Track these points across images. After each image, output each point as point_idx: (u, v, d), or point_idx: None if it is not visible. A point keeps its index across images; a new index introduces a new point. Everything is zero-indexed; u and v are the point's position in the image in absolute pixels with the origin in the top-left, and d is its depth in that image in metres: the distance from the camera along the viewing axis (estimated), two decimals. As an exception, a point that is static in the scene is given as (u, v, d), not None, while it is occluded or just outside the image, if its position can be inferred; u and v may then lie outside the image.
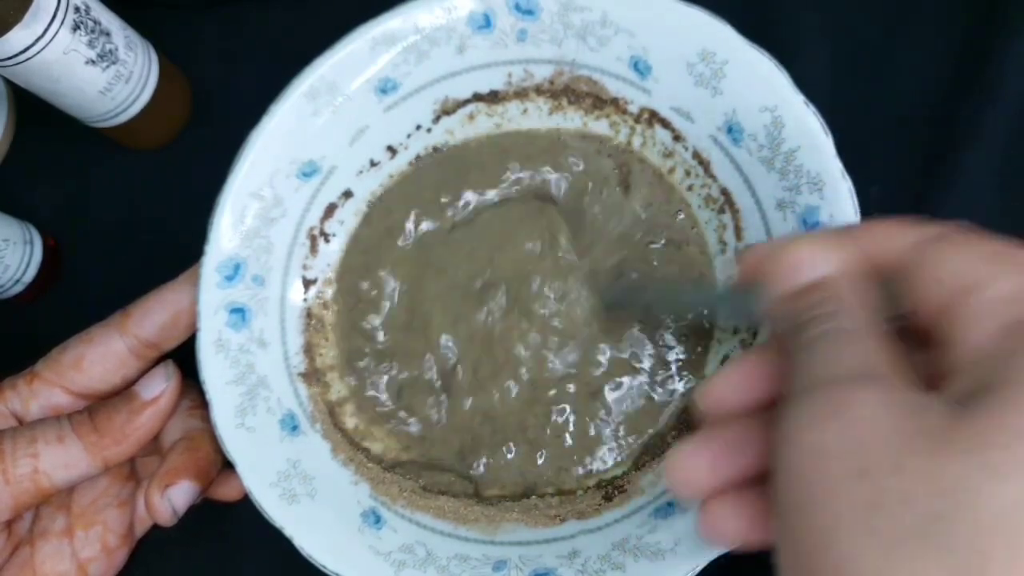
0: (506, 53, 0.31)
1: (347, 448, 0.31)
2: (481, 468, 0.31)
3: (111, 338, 0.29)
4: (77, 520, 0.30)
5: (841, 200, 0.28)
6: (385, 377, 0.32)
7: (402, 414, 0.32)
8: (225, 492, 0.31)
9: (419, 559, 0.29)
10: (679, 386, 0.31)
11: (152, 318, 0.29)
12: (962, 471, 0.16)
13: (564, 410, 0.31)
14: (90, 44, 0.32)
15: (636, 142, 0.32)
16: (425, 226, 0.33)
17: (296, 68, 0.29)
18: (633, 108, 0.31)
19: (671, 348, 0.31)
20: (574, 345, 0.31)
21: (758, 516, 0.22)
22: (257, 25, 0.40)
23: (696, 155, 0.31)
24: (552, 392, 0.31)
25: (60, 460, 0.27)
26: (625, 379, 0.31)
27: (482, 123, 0.33)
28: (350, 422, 0.32)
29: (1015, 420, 0.16)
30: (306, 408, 0.31)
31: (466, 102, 0.32)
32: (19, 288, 0.36)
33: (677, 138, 0.31)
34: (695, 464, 0.22)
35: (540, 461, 0.31)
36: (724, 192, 0.31)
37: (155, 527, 0.31)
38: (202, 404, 0.30)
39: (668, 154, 0.32)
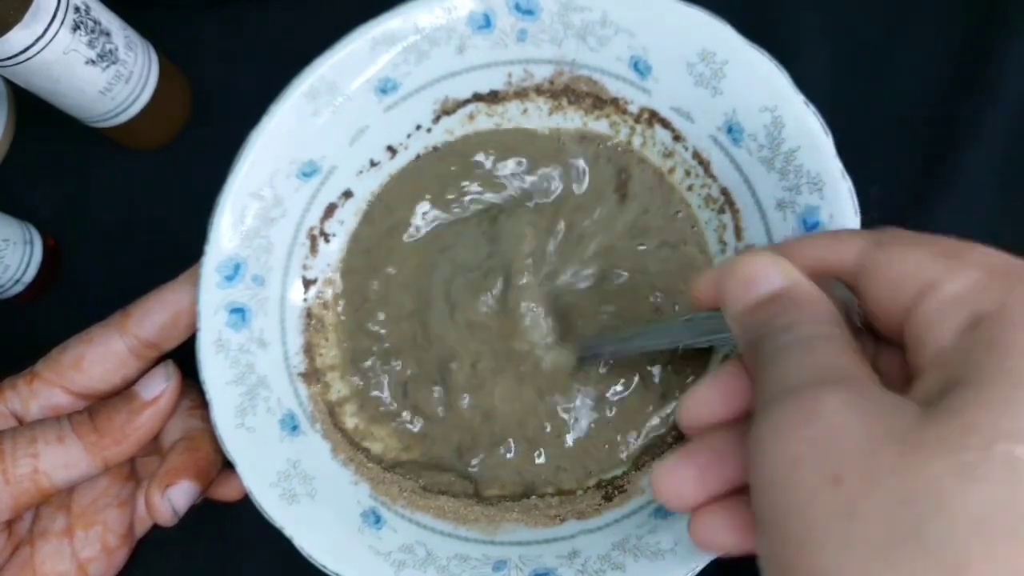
0: (506, 53, 0.31)
1: (347, 448, 0.31)
2: (478, 465, 0.31)
3: (111, 338, 0.29)
4: (77, 520, 0.30)
5: (841, 200, 0.28)
6: (390, 376, 0.32)
7: (406, 413, 0.32)
8: (225, 492, 0.31)
9: (419, 559, 0.29)
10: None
11: (152, 318, 0.29)
12: (936, 474, 0.16)
13: (564, 409, 0.31)
14: (90, 44, 0.32)
15: (636, 142, 0.32)
16: (426, 225, 0.33)
17: (296, 68, 0.29)
18: (633, 108, 0.31)
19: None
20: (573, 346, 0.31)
21: (747, 526, 0.22)
22: (257, 25, 0.40)
23: (696, 155, 0.31)
24: (552, 391, 0.31)
25: (60, 460, 0.27)
26: (625, 378, 0.31)
27: (482, 123, 0.33)
28: (350, 422, 0.32)
29: (983, 419, 0.16)
30: (306, 408, 0.31)
31: (466, 102, 0.32)
32: (19, 288, 0.36)
33: (677, 138, 0.31)
34: (680, 477, 0.22)
35: (539, 460, 0.31)
36: (724, 192, 0.31)
37: (155, 527, 0.31)
38: (202, 404, 0.30)
39: (668, 154, 0.32)
